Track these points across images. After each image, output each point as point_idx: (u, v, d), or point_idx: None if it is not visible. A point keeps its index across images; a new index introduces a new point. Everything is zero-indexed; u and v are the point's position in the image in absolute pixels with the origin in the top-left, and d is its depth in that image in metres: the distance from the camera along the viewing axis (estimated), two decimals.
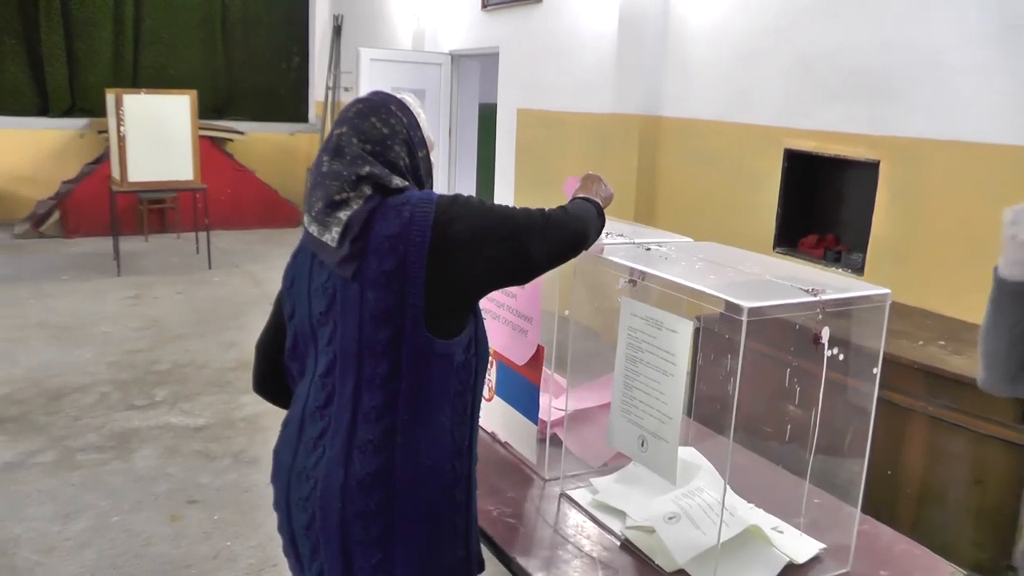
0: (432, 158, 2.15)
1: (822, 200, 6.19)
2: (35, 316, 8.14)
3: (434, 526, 1.99)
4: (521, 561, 2.24)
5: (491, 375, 2.90)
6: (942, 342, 4.02)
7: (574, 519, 2.49)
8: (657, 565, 2.21)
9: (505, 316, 2.79)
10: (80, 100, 13.76)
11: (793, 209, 6.20)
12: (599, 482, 2.64)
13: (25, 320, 7.99)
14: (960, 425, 3.61)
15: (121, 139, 9.67)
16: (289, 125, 15.28)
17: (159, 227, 12.56)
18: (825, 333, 2.09)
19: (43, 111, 13.55)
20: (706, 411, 2.98)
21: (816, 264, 5.78)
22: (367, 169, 1.92)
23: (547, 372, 2.73)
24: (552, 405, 2.87)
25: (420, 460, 1.94)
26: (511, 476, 2.75)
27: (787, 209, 6.19)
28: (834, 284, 2.15)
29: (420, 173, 2.06)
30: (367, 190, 1.92)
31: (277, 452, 2.11)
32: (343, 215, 1.90)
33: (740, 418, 2.04)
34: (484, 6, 10.14)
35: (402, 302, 1.87)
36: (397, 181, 1.95)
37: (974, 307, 4.56)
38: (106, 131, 10.76)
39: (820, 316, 2.07)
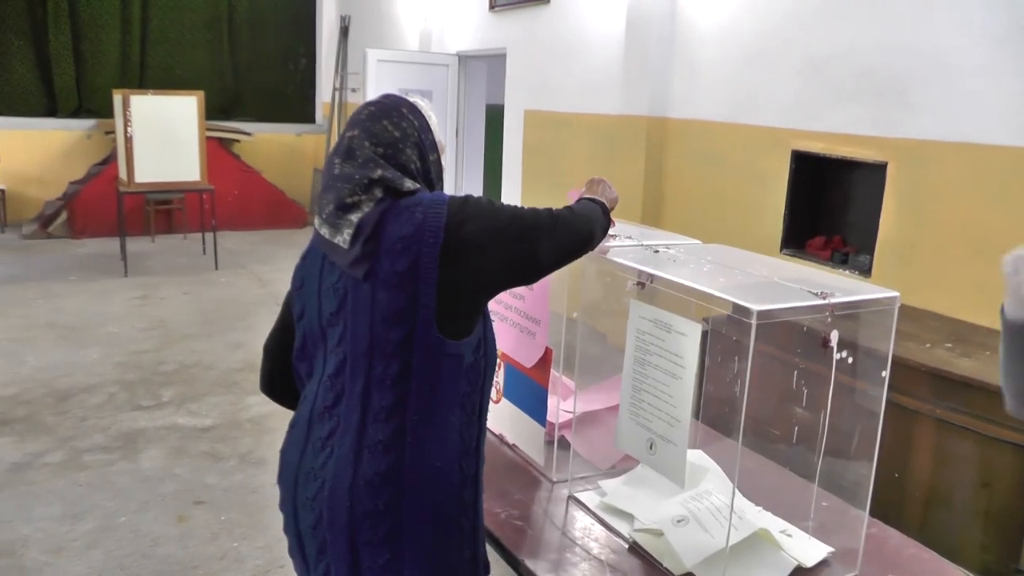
0: (443, 161, 2.15)
1: (829, 202, 6.18)
2: (43, 316, 8.16)
3: (442, 526, 1.99)
4: (529, 563, 2.23)
5: (499, 377, 2.90)
6: (949, 344, 4.01)
7: (582, 522, 2.48)
8: (665, 568, 2.21)
9: (513, 318, 2.78)
10: (87, 101, 13.79)
11: (800, 211, 6.19)
12: (607, 484, 2.63)
13: (33, 320, 8.01)
14: (967, 428, 3.60)
15: (128, 140, 9.69)
16: (296, 126, 15.29)
17: (166, 228, 12.58)
18: (834, 336, 2.08)
19: (51, 112, 13.58)
20: (714, 413, 2.97)
21: (823, 266, 5.77)
22: (379, 172, 1.93)
23: (555, 374, 2.72)
24: (560, 407, 2.87)
25: (429, 460, 1.94)
26: (519, 478, 2.74)
27: (794, 211, 6.18)
28: (843, 287, 2.14)
29: (431, 176, 2.07)
30: (378, 193, 1.92)
31: (284, 452, 2.11)
32: (354, 217, 1.90)
33: (748, 421, 2.03)
34: (491, 7, 10.13)
35: (414, 303, 1.87)
36: (409, 184, 1.95)
37: (982, 309, 4.57)
38: (113, 132, 10.79)
39: (829, 319, 2.07)
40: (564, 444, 2.77)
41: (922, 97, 5.19)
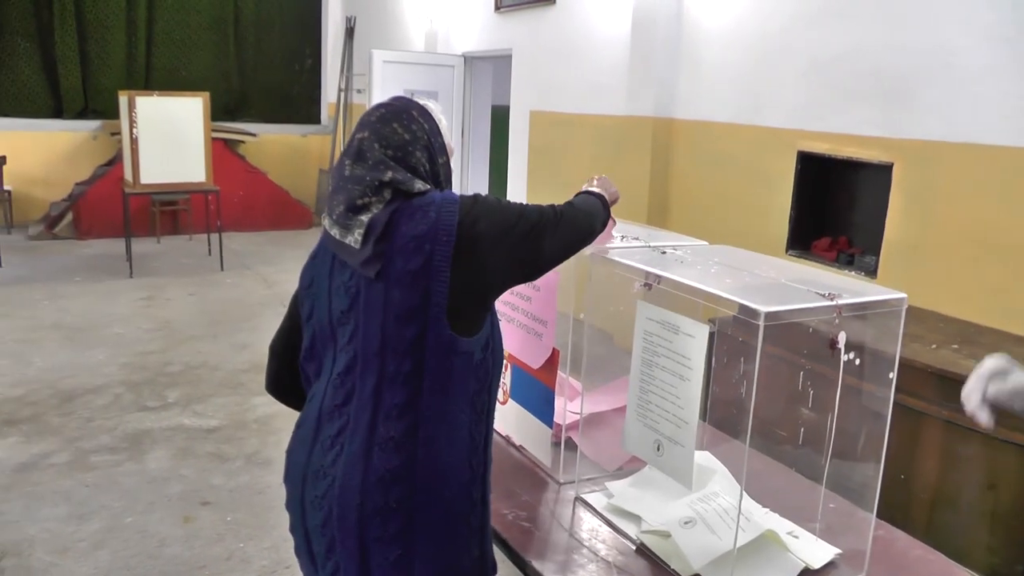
0: (451, 164, 2.16)
1: (835, 202, 6.17)
2: (48, 317, 8.18)
3: (452, 524, 2.00)
4: (536, 565, 2.23)
5: (506, 378, 2.90)
6: (956, 345, 4.01)
7: (589, 523, 2.48)
8: (673, 570, 2.21)
9: (520, 319, 2.78)
10: (93, 102, 13.82)
11: (806, 211, 6.19)
12: (614, 486, 2.63)
13: (39, 321, 8.03)
14: (974, 429, 3.58)
15: (134, 141, 9.70)
16: (301, 127, 15.31)
17: (171, 229, 12.59)
18: (842, 338, 2.08)
19: (56, 113, 13.61)
20: (720, 415, 2.97)
21: (829, 267, 5.77)
22: (389, 175, 1.94)
23: (562, 375, 2.72)
24: (567, 408, 2.87)
25: (440, 457, 1.96)
26: (526, 479, 2.74)
27: (800, 211, 6.18)
28: (850, 288, 2.14)
29: (440, 179, 2.08)
30: (388, 195, 1.94)
31: (291, 452, 2.12)
32: (364, 217, 1.92)
33: (755, 422, 2.03)
34: (497, 8, 10.14)
35: (427, 300, 1.89)
36: (419, 185, 1.97)
37: (988, 310, 4.57)
38: (119, 133, 10.81)
39: (836, 320, 2.06)
40: (571, 445, 2.77)
41: (928, 98, 5.19)
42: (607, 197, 2.35)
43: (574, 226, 2.13)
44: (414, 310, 1.89)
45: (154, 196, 11.43)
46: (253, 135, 13.87)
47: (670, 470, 2.22)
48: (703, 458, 2.65)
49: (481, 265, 1.93)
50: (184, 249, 11.78)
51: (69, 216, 11.97)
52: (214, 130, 10.93)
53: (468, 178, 11.54)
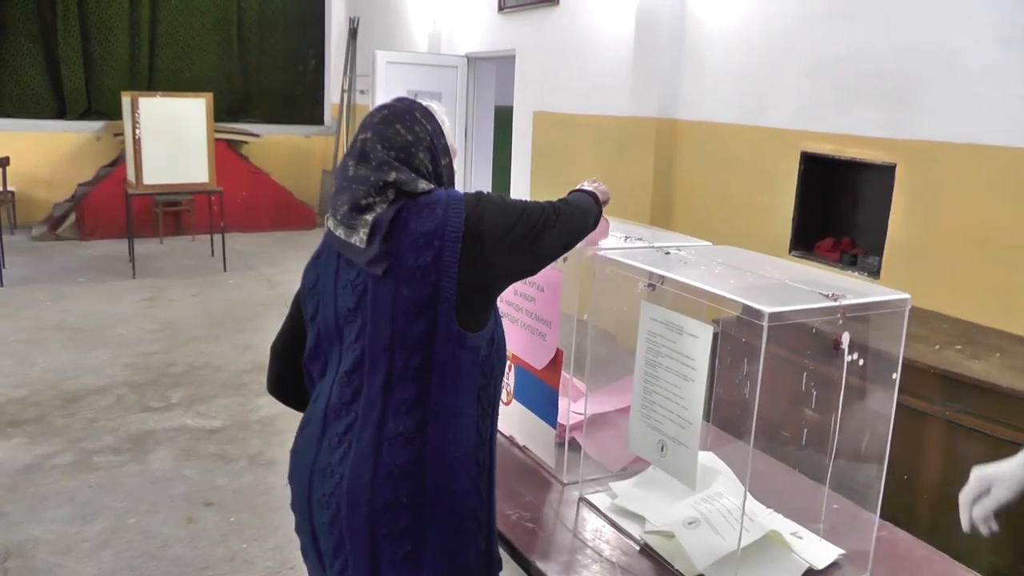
0: (453, 165, 2.17)
1: (838, 203, 6.17)
2: (52, 318, 8.18)
3: (460, 518, 2.02)
4: (540, 565, 2.24)
5: (510, 379, 2.90)
6: (959, 346, 4.00)
7: (593, 523, 2.48)
8: (677, 570, 2.21)
9: (524, 320, 2.79)
10: (96, 103, 13.81)
11: (809, 212, 6.19)
12: (618, 486, 2.63)
13: (42, 322, 8.03)
14: (977, 430, 3.59)
15: (137, 142, 9.71)
16: (305, 128, 15.29)
17: (174, 229, 12.60)
18: (845, 339, 2.08)
19: (60, 114, 13.60)
20: (724, 415, 2.97)
21: (832, 267, 5.77)
22: (393, 175, 1.96)
23: (565, 376, 2.72)
24: (571, 409, 2.87)
25: (449, 452, 1.98)
26: (530, 480, 2.75)
27: (803, 212, 6.18)
28: (853, 289, 2.14)
29: (443, 180, 2.09)
30: (391, 195, 1.95)
31: (296, 452, 2.12)
32: (368, 217, 1.94)
33: (758, 423, 2.03)
34: (500, 8, 10.13)
35: (436, 295, 1.91)
36: (423, 185, 1.99)
37: (991, 310, 4.56)
38: (122, 134, 10.81)
39: (840, 321, 2.06)
40: (575, 446, 2.77)
41: (931, 98, 5.18)
42: (599, 195, 2.42)
43: (571, 222, 2.19)
44: (423, 305, 1.91)
45: (157, 197, 11.45)
46: (256, 136, 13.87)
47: (674, 471, 2.22)
48: (707, 459, 2.65)
49: (486, 261, 1.95)
50: (187, 250, 11.79)
51: (72, 217, 11.98)
52: (217, 131, 10.94)
53: (471, 178, 11.54)
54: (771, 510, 2.50)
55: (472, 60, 11.17)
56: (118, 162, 12.07)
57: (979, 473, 1.97)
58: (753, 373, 1.97)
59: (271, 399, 2.35)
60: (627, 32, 7.75)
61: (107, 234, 11.83)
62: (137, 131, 9.66)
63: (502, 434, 2.96)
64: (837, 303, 2.03)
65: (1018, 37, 4.70)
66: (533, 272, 2.20)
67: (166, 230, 12.38)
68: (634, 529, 2.41)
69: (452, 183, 2.13)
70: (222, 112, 13.38)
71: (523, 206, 2.06)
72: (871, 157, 5.60)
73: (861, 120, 5.65)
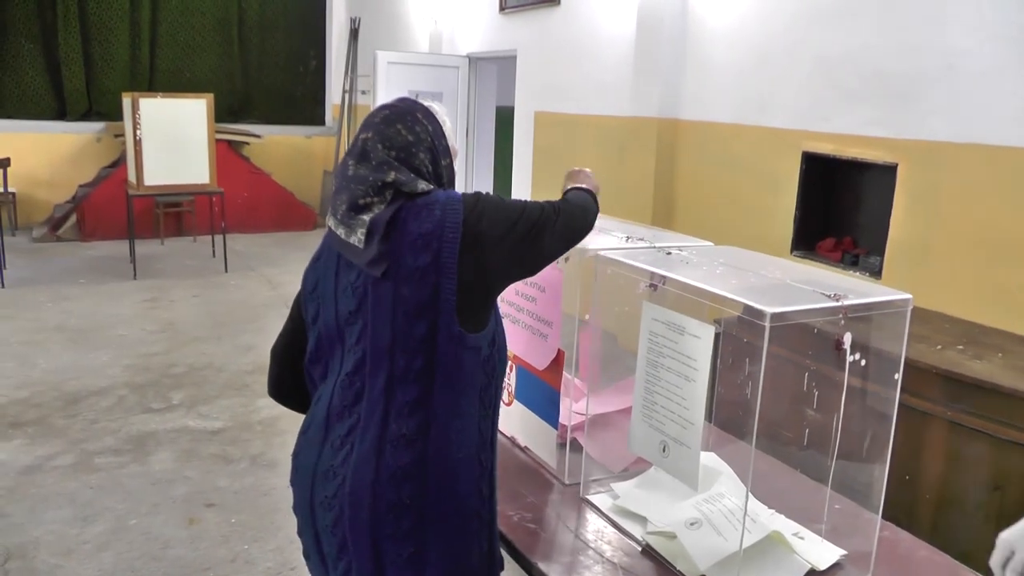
0: (454, 165, 2.17)
1: (840, 203, 6.16)
2: (53, 319, 8.18)
3: (463, 518, 2.02)
4: (542, 566, 2.23)
5: (511, 379, 2.90)
6: (961, 346, 4.00)
7: (595, 524, 2.48)
8: (679, 571, 2.21)
9: (525, 320, 2.79)
10: (97, 104, 13.82)
11: (811, 212, 6.18)
12: (620, 487, 2.63)
13: (43, 323, 8.03)
14: (979, 430, 3.58)
15: (137, 143, 9.71)
16: (306, 128, 15.29)
17: (175, 230, 12.61)
18: (847, 339, 2.08)
19: (60, 115, 13.60)
20: (726, 416, 2.97)
21: (834, 267, 5.76)
22: (392, 175, 1.96)
23: (567, 376, 2.72)
24: (572, 409, 2.87)
25: (451, 453, 1.98)
26: (531, 481, 2.74)
27: (805, 212, 6.17)
28: (855, 289, 2.14)
29: (443, 181, 2.09)
30: (389, 195, 1.95)
31: (297, 454, 2.12)
32: (366, 217, 1.94)
33: (760, 423, 2.03)
34: (501, 8, 10.13)
35: (436, 296, 1.91)
36: (422, 185, 1.99)
37: (993, 311, 4.56)
38: (122, 135, 10.83)
39: (842, 321, 2.06)
40: (576, 447, 2.77)
41: (933, 98, 5.18)
42: (594, 191, 2.47)
43: (572, 221, 2.19)
44: (424, 306, 1.91)
45: (158, 198, 11.43)
46: (257, 136, 13.87)
47: (676, 471, 2.22)
48: (709, 459, 2.65)
49: (485, 261, 1.95)
50: (188, 251, 11.79)
51: (73, 218, 11.99)
52: (218, 131, 10.94)
53: (472, 178, 11.53)
54: (773, 511, 2.50)
55: (473, 60, 11.16)
56: (119, 163, 12.08)
57: (1002, 538, 1.97)
58: (755, 373, 1.97)
59: (273, 400, 2.35)
60: (628, 32, 7.74)
61: (108, 235, 11.83)
62: (138, 132, 9.66)
63: (503, 434, 2.96)
64: (839, 303, 2.03)
65: (1020, 37, 4.69)
66: (533, 272, 2.19)
67: (167, 231, 12.39)
68: (636, 530, 2.40)
69: (452, 184, 2.13)
70: (223, 113, 13.39)
71: (522, 206, 2.06)
72: (873, 157, 5.59)
73: (863, 120, 5.64)
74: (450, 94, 10.96)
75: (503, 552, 2.26)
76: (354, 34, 14.16)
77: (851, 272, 5.67)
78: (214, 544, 4.37)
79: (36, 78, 13.47)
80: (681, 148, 7.38)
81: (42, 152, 12.74)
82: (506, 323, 2.32)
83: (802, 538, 2.35)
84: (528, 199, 2.11)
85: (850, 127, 5.74)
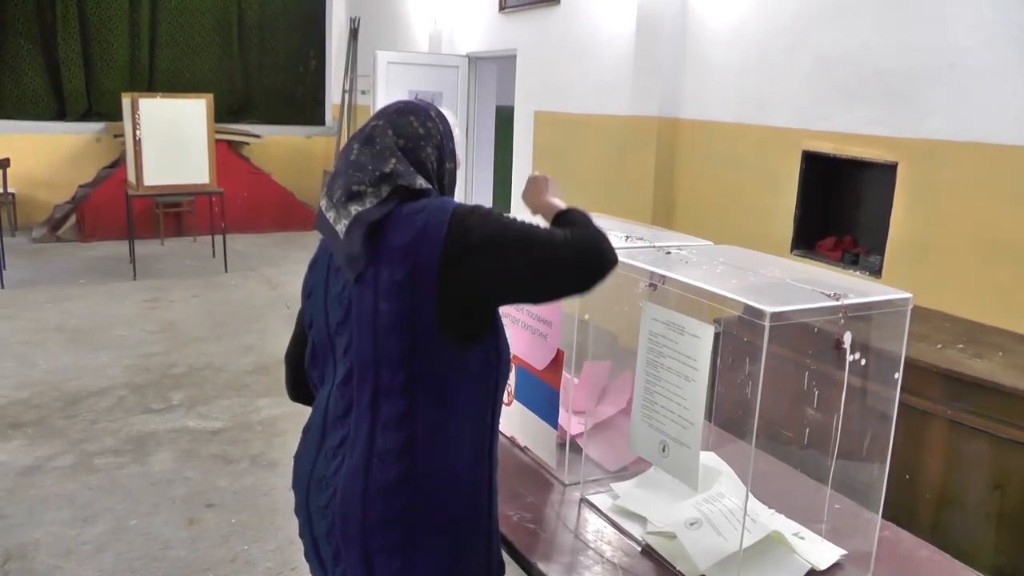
0: (456, 174, 2.15)
1: (840, 202, 6.16)
2: (52, 320, 8.18)
3: (455, 532, 1.99)
4: (542, 567, 2.23)
5: (511, 379, 2.89)
6: (961, 345, 4.00)
7: (594, 524, 2.48)
8: (679, 571, 2.20)
9: (525, 320, 2.78)
10: (96, 104, 13.82)
11: (811, 211, 6.17)
12: (620, 487, 2.63)
13: (43, 324, 8.03)
14: (980, 429, 3.58)
15: (137, 143, 9.71)
16: (306, 128, 15.29)
17: (175, 231, 12.61)
18: (847, 338, 2.08)
19: (60, 115, 13.60)
20: (726, 416, 2.97)
21: (834, 266, 5.76)
22: (392, 164, 1.92)
23: (567, 376, 2.72)
24: (571, 418, 2.87)
25: (440, 467, 1.94)
26: (531, 481, 2.74)
27: (805, 211, 6.17)
28: (855, 288, 2.14)
29: (444, 182, 2.07)
30: (385, 190, 1.91)
31: (298, 458, 2.12)
32: (354, 208, 1.89)
33: (760, 423, 2.03)
34: (501, 8, 10.12)
35: (414, 312, 1.85)
36: (421, 182, 1.94)
37: (993, 310, 4.55)
38: (122, 135, 10.81)
39: (842, 320, 2.06)
40: (576, 447, 2.76)
41: (933, 97, 5.17)
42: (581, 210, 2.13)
43: (583, 255, 1.86)
44: (402, 322, 1.86)
45: (158, 198, 11.44)
46: (257, 136, 13.88)
47: (675, 471, 2.21)
48: (709, 459, 2.65)
49: (472, 277, 1.84)
50: (188, 251, 11.79)
51: (73, 218, 11.99)
52: (218, 132, 10.95)
53: (473, 179, 11.52)
54: (773, 510, 2.49)
55: (473, 60, 11.15)
56: (118, 163, 12.07)
57: None
58: (755, 373, 1.96)
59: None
60: (628, 31, 7.74)
61: (108, 235, 11.83)
62: (137, 132, 9.66)
63: (503, 435, 2.95)
64: (839, 302, 2.02)
65: (1020, 36, 4.69)
66: (537, 299, 2.02)
67: (167, 231, 12.39)
68: (636, 530, 2.40)
69: (452, 191, 2.11)
70: (223, 113, 13.39)
71: (523, 227, 1.86)
72: (873, 156, 5.59)
73: (863, 119, 5.64)
74: (450, 94, 10.95)
75: (504, 553, 2.25)
76: (354, 34, 14.16)
77: (851, 271, 5.67)
78: (214, 544, 4.37)
79: (36, 78, 13.48)
80: (681, 147, 7.38)
81: (42, 152, 12.74)
82: (506, 323, 2.30)
83: (802, 538, 2.35)
84: (535, 223, 1.93)
85: (850, 126, 5.73)
